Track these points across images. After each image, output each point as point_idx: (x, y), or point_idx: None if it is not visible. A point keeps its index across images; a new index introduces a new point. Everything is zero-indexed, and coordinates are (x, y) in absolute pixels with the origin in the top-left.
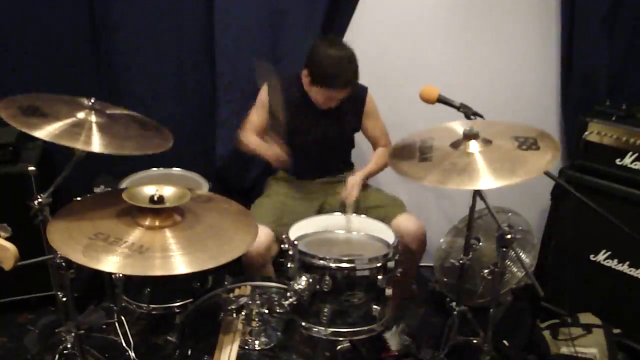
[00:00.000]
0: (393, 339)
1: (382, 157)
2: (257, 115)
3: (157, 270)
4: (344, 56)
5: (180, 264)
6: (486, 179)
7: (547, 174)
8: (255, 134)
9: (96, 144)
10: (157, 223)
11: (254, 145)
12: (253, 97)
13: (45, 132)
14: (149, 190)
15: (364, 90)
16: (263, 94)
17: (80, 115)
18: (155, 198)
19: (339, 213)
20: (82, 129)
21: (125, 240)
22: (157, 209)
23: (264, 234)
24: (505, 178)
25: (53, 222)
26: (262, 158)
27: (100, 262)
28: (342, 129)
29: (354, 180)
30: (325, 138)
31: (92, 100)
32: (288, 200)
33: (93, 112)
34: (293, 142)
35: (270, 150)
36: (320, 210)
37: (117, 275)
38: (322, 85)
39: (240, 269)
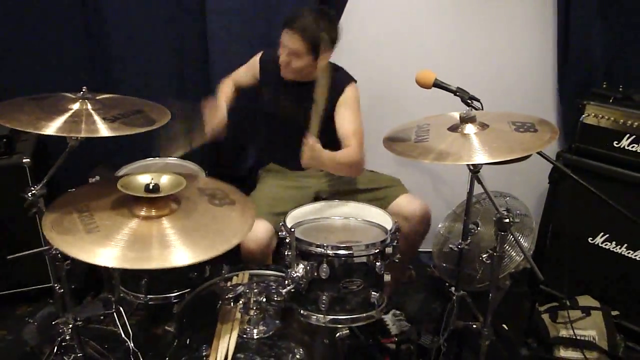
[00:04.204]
0: (393, 322)
1: (344, 156)
2: (243, 72)
3: (155, 262)
4: (315, 13)
5: (179, 256)
6: (483, 155)
7: (543, 155)
8: (232, 84)
9: (103, 129)
10: (153, 212)
11: (218, 97)
12: None
13: (52, 128)
14: (144, 179)
15: (347, 80)
16: (254, 61)
17: (75, 106)
18: (151, 187)
19: (336, 200)
20: (81, 118)
21: (121, 232)
22: (153, 198)
23: (264, 229)
24: (503, 154)
25: (47, 214)
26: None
27: (96, 256)
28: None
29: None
30: (301, 117)
31: (84, 89)
32: (282, 191)
33: (86, 100)
34: (274, 116)
35: (212, 116)
36: (316, 199)
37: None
38: (282, 25)
39: (238, 258)
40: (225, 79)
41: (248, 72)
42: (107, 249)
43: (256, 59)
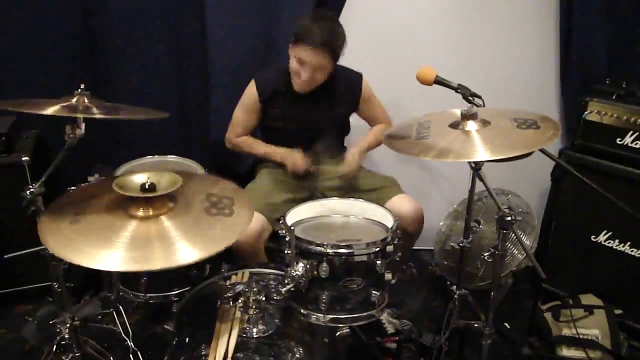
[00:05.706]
0: (388, 321)
1: (381, 131)
2: (242, 114)
3: (159, 262)
4: (324, 21)
5: (183, 253)
6: (484, 152)
7: (545, 152)
8: (244, 134)
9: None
10: (150, 212)
11: (254, 144)
12: (245, 82)
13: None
14: (139, 178)
15: (358, 76)
16: (250, 92)
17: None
18: (147, 186)
19: (336, 198)
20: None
21: (121, 235)
22: (150, 198)
23: (255, 220)
24: (505, 151)
25: (43, 217)
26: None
27: (98, 260)
28: (335, 116)
29: (353, 154)
30: (317, 125)
31: (82, 87)
32: (278, 184)
33: (84, 97)
34: (285, 130)
35: (288, 154)
36: (312, 195)
37: None
38: (295, 41)
39: (231, 256)
40: (232, 136)
41: (247, 113)
42: (108, 251)
43: (252, 92)
